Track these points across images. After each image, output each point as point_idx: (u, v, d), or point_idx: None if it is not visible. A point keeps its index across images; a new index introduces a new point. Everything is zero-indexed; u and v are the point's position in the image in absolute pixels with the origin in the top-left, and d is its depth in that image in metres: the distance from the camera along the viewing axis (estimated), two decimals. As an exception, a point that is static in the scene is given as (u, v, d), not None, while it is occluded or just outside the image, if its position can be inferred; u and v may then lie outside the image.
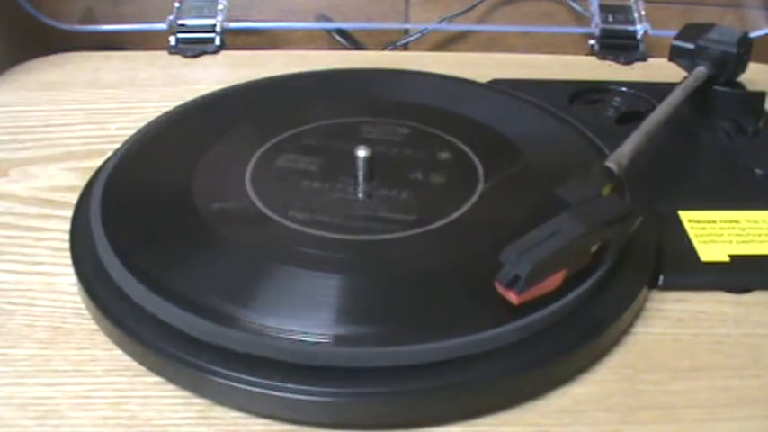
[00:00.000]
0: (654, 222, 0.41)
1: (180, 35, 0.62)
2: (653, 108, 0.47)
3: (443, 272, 0.37)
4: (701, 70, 0.49)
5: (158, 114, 0.48)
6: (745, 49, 0.51)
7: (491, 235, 0.38)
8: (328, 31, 0.71)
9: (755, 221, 0.43)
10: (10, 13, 0.64)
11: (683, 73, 0.51)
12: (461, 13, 0.71)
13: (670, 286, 0.39)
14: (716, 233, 0.42)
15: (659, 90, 0.51)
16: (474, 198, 0.41)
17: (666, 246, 0.40)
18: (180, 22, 0.63)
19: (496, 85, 0.53)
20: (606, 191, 0.38)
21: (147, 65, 0.59)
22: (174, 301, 0.35)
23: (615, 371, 0.35)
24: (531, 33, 0.71)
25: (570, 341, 0.35)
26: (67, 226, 0.41)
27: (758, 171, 0.46)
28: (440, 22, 0.71)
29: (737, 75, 0.51)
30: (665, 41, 0.54)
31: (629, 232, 0.37)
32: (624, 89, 0.55)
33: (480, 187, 0.42)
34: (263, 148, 0.45)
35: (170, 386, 0.34)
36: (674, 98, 0.46)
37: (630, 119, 0.51)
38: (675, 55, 0.52)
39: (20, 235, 0.43)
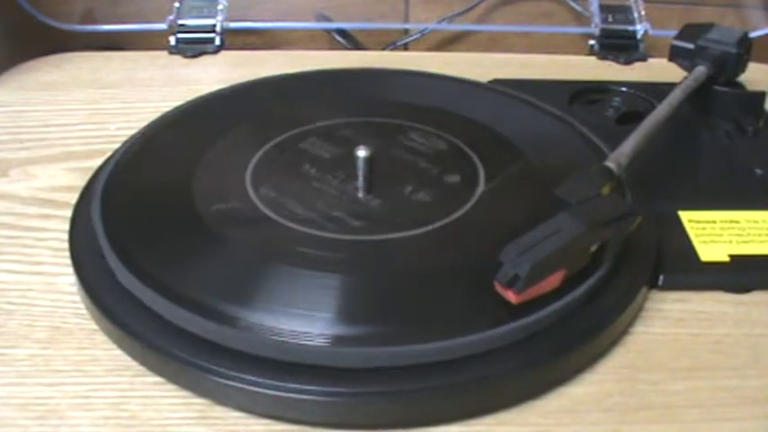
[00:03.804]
0: (654, 222, 0.41)
1: (180, 35, 0.62)
2: (653, 108, 0.47)
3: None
4: (700, 70, 0.49)
5: (158, 114, 0.48)
6: (745, 49, 0.51)
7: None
8: (328, 31, 0.71)
9: (755, 221, 0.43)
10: (10, 13, 0.64)
11: (683, 73, 0.51)
12: (461, 13, 0.71)
13: (670, 286, 0.39)
14: (716, 233, 0.42)
15: (659, 90, 0.51)
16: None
17: (666, 246, 0.40)
18: (180, 22, 0.63)
19: (496, 85, 0.53)
20: (605, 190, 0.38)
21: (147, 65, 0.59)
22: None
23: (615, 371, 0.35)
24: (531, 33, 0.71)
25: (570, 341, 0.35)
26: (67, 226, 0.41)
27: (758, 171, 0.46)
28: (440, 22, 0.71)
29: (737, 75, 0.51)
30: (665, 41, 0.54)
31: (629, 232, 0.37)
32: (624, 89, 0.55)
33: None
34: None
35: (170, 386, 0.34)
36: (674, 98, 0.46)
37: (630, 119, 0.51)
38: (675, 55, 0.52)
39: (20, 235, 0.43)
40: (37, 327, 0.37)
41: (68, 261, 0.39)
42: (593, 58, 0.63)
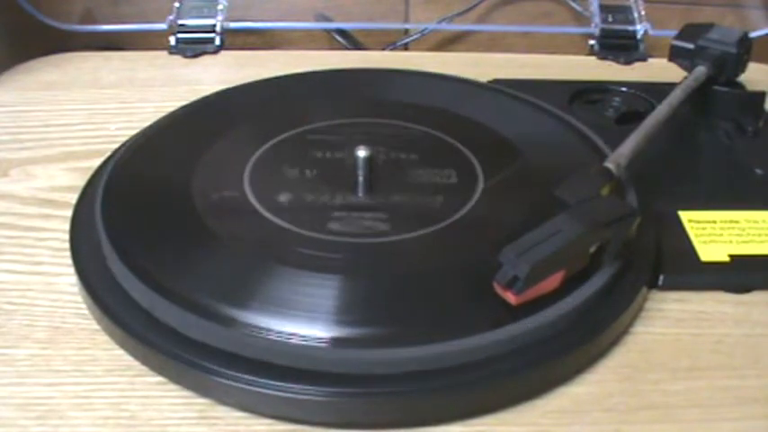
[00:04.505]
0: (654, 222, 0.41)
1: (180, 35, 0.62)
2: (653, 108, 0.47)
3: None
4: (700, 70, 0.49)
5: (158, 114, 0.48)
6: (745, 49, 0.51)
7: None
8: (328, 31, 0.71)
9: (755, 221, 0.43)
10: (10, 13, 0.64)
11: (683, 73, 0.51)
12: (461, 13, 0.71)
13: (670, 286, 0.39)
14: (716, 233, 0.42)
15: (659, 90, 0.51)
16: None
17: (666, 246, 0.40)
18: (180, 22, 0.63)
19: (496, 85, 0.53)
20: (605, 191, 0.38)
21: (147, 65, 0.59)
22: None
23: (615, 371, 0.35)
24: (531, 33, 0.71)
25: (570, 341, 0.35)
26: (67, 226, 0.41)
27: (758, 171, 0.46)
28: (440, 22, 0.71)
29: (737, 75, 0.51)
30: (665, 41, 0.54)
31: (628, 233, 0.37)
32: (624, 89, 0.55)
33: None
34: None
35: (171, 386, 0.34)
36: (674, 98, 0.46)
37: (630, 119, 0.51)
38: (675, 55, 0.52)
39: (20, 235, 0.43)
40: (37, 327, 0.37)
41: (68, 261, 0.39)
42: (593, 58, 0.63)
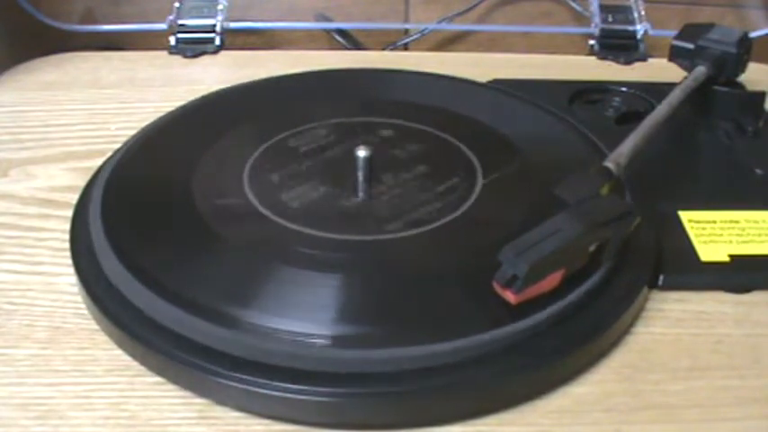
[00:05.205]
0: (654, 222, 0.41)
1: (180, 35, 0.62)
2: (653, 108, 0.47)
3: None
4: (700, 70, 0.49)
5: (158, 114, 0.48)
6: (745, 49, 0.51)
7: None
8: (328, 31, 0.71)
9: (755, 221, 0.43)
10: (10, 13, 0.64)
11: (683, 73, 0.51)
12: (461, 13, 0.71)
13: (670, 286, 0.39)
14: (716, 233, 0.42)
15: (659, 90, 0.51)
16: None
17: (666, 246, 0.40)
18: (180, 22, 0.63)
19: (496, 85, 0.53)
20: (604, 191, 0.38)
21: (146, 65, 0.59)
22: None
23: (615, 371, 0.35)
24: (531, 33, 0.71)
25: (571, 341, 0.35)
26: (67, 226, 0.41)
27: (758, 171, 0.46)
28: (440, 22, 0.71)
29: (737, 75, 0.51)
30: (665, 41, 0.54)
31: (628, 232, 0.37)
32: (624, 89, 0.55)
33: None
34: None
35: (170, 386, 0.34)
36: (674, 98, 0.46)
37: (630, 119, 0.51)
38: (675, 55, 0.52)
39: (20, 235, 0.43)
40: (37, 327, 0.37)
41: (68, 261, 0.39)
42: (593, 58, 0.63)
